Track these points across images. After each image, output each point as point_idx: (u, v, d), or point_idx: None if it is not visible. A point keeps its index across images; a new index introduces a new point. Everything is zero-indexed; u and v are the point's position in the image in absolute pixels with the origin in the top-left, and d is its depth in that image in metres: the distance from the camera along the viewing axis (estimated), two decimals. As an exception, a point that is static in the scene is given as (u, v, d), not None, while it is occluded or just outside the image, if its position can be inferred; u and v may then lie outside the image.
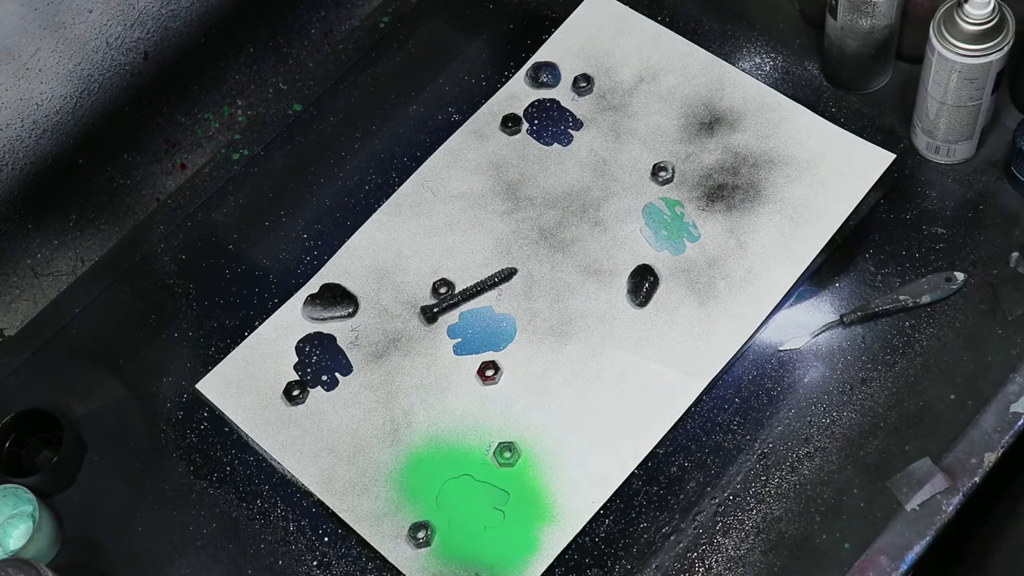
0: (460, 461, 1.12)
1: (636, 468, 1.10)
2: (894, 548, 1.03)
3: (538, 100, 1.30)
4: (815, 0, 1.25)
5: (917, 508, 1.05)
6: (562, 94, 1.30)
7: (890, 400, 1.10)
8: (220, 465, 1.16)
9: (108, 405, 1.20)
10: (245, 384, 1.18)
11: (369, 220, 1.25)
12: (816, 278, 1.17)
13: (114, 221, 1.41)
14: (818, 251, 1.17)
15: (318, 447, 1.14)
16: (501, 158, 1.27)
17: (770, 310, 1.15)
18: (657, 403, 1.12)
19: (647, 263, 1.19)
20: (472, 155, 1.28)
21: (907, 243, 1.17)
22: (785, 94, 1.26)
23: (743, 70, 1.28)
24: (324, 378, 1.18)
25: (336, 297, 1.21)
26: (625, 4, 1.34)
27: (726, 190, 1.22)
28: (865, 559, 1.03)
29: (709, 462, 1.10)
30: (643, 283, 1.18)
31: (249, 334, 1.21)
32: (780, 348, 1.14)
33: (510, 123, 1.29)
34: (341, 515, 1.11)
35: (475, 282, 1.20)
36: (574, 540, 1.07)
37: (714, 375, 1.12)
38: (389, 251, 1.23)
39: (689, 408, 1.12)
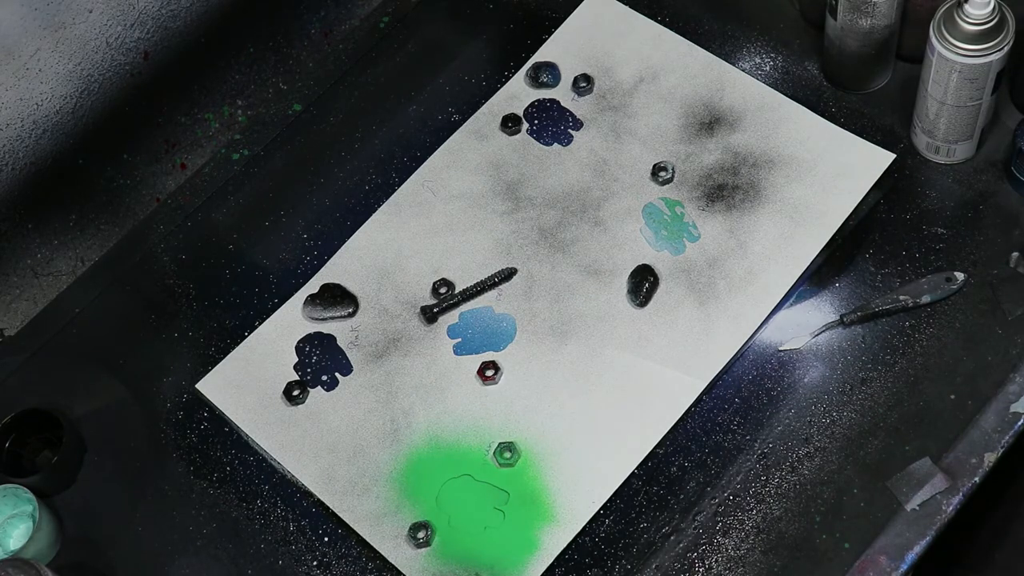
0: (460, 461, 1.12)
1: (636, 468, 1.10)
2: (894, 548, 1.03)
3: (538, 100, 1.30)
4: (815, 0, 1.25)
5: (917, 508, 1.05)
6: (562, 94, 1.30)
7: (890, 400, 1.10)
8: (220, 465, 1.16)
9: (108, 405, 1.20)
10: (245, 384, 1.18)
11: (369, 220, 1.25)
12: (816, 278, 1.17)
13: (114, 221, 1.41)
14: (818, 251, 1.17)
15: (318, 447, 1.14)
16: (501, 158, 1.27)
17: (770, 310, 1.15)
18: (657, 403, 1.12)
19: (647, 263, 1.19)
20: (472, 155, 1.28)
21: (907, 243, 1.17)
22: (785, 94, 1.26)
23: (743, 70, 1.28)
24: (324, 378, 1.18)
25: (336, 297, 1.21)
26: (625, 4, 1.34)
27: (726, 190, 1.22)
28: (865, 559, 1.03)
29: (709, 462, 1.10)
30: (643, 283, 1.18)
31: (249, 334, 1.21)
32: (780, 348, 1.14)
33: (510, 123, 1.29)
34: (341, 515, 1.11)
35: (475, 282, 1.20)
36: (574, 540, 1.07)
37: (714, 375, 1.13)
38: (389, 251, 1.23)
39: (689, 408, 1.12)
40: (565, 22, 1.34)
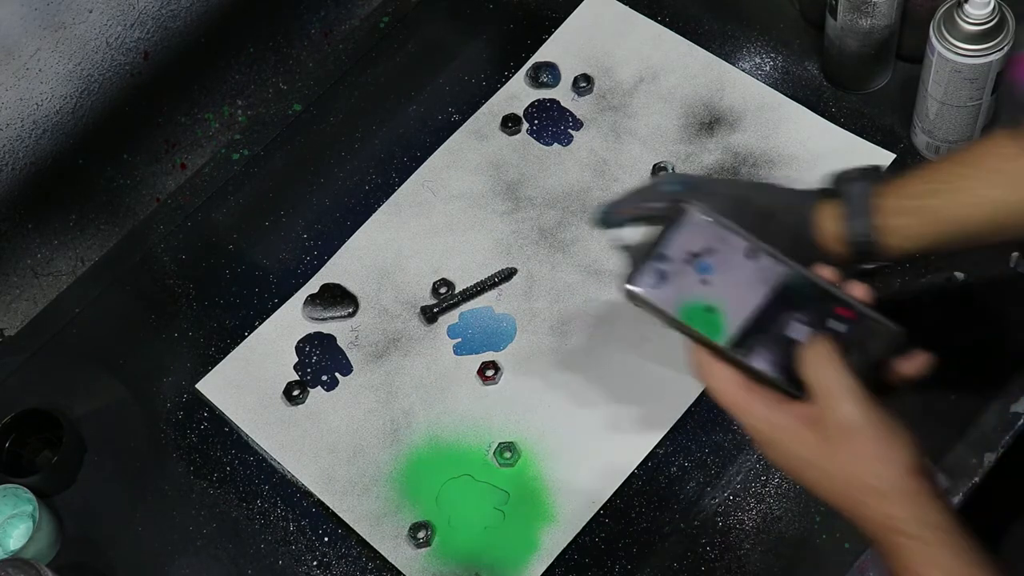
0: (460, 461, 1.12)
1: (636, 468, 1.10)
2: (894, 548, 1.03)
3: (538, 100, 1.30)
4: (815, 0, 1.25)
5: (917, 508, 1.04)
6: (562, 94, 1.30)
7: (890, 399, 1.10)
8: (220, 465, 1.15)
9: (108, 405, 1.20)
10: (245, 384, 1.18)
11: (369, 220, 1.25)
12: (816, 278, 1.17)
13: (114, 221, 1.41)
14: (818, 251, 1.17)
15: (318, 447, 1.14)
16: (501, 158, 1.27)
17: (770, 310, 1.15)
18: (657, 403, 1.12)
19: (647, 263, 1.19)
20: (472, 155, 1.28)
21: (907, 243, 1.17)
22: (785, 94, 1.26)
23: (743, 70, 1.28)
24: (324, 378, 1.18)
25: (336, 297, 1.21)
26: (625, 4, 1.34)
27: (726, 190, 1.21)
28: (865, 559, 1.03)
29: (709, 462, 1.10)
30: (643, 283, 1.17)
31: (249, 334, 1.21)
32: (780, 348, 1.14)
33: (510, 123, 1.29)
34: (341, 515, 1.11)
35: (475, 282, 1.20)
36: (574, 540, 1.07)
37: (714, 375, 1.12)
38: (389, 251, 1.23)
39: (689, 408, 1.12)
40: (565, 22, 1.34)
